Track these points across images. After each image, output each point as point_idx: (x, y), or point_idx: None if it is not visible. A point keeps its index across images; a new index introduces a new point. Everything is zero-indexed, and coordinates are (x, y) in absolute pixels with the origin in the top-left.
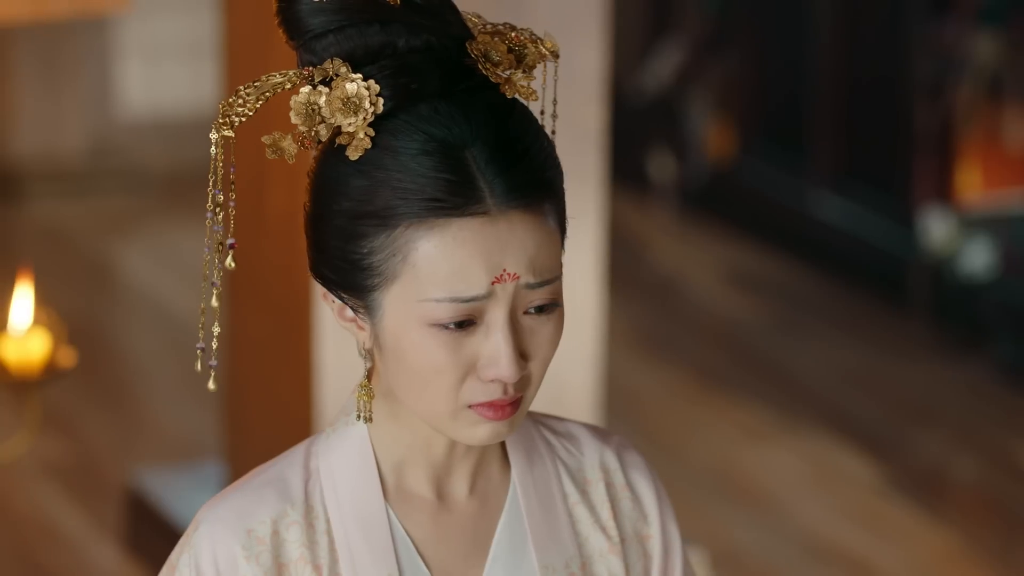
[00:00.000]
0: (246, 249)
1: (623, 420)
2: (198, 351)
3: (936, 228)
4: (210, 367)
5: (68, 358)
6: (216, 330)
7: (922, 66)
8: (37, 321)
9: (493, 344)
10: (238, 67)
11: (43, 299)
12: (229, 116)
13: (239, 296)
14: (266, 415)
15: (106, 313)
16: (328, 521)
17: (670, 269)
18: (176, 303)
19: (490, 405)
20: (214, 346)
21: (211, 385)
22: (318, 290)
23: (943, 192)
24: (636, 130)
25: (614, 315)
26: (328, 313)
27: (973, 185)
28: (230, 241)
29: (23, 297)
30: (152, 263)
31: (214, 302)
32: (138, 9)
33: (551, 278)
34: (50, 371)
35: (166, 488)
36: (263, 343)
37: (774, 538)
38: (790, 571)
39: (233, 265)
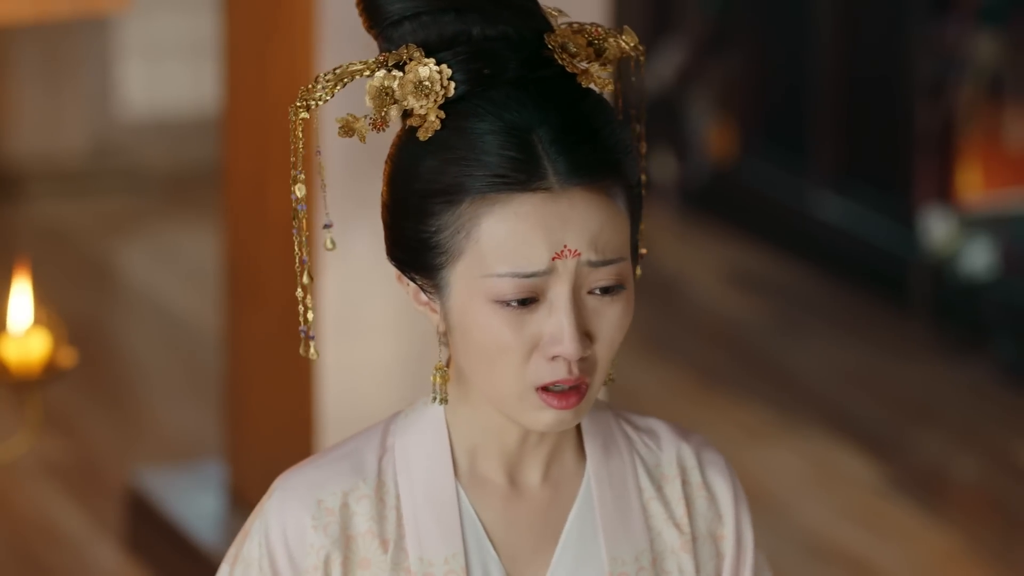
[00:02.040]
0: (247, 248)
1: None
2: (301, 335)
3: (937, 228)
4: (309, 339)
5: (68, 358)
6: (310, 303)
7: (923, 66)
8: (37, 321)
9: (556, 321)
10: (239, 67)
11: (43, 299)
12: (307, 100)
13: (239, 296)
14: (266, 415)
15: (106, 313)
16: (398, 497)
17: (671, 269)
18: (177, 303)
19: (555, 394)
20: (310, 318)
21: (312, 354)
22: (322, 288)
23: (944, 192)
24: None
25: None
26: (328, 313)
27: (974, 185)
28: (326, 222)
29: (23, 297)
30: (152, 263)
31: (305, 279)
32: (139, 9)
33: (615, 258)
34: (50, 371)
35: (166, 488)
36: (263, 343)
37: (774, 538)
38: (791, 571)
39: (332, 247)
